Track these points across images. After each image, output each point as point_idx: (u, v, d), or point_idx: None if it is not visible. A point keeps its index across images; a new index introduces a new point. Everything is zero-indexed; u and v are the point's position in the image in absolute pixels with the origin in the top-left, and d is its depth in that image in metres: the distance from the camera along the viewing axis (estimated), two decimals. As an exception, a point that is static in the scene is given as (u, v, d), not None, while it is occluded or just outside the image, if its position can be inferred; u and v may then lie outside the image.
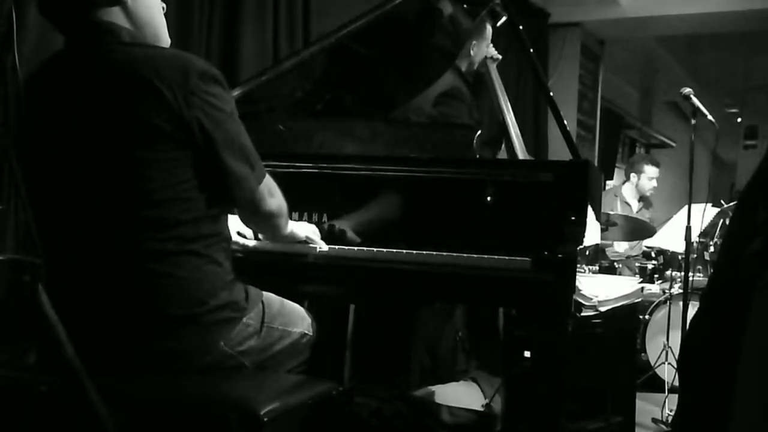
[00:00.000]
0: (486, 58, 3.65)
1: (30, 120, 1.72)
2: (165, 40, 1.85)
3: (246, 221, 1.99)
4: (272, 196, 1.84)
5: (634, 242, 5.46)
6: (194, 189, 1.68)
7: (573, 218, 2.16)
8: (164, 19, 1.85)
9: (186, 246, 1.67)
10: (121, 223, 1.65)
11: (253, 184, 1.77)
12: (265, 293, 1.90)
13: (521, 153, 3.43)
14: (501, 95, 3.60)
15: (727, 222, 4.71)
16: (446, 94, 3.40)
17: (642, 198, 5.98)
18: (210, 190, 1.71)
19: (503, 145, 3.51)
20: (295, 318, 1.96)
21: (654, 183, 5.91)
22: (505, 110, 3.56)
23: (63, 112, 1.69)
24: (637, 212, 5.85)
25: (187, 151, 1.65)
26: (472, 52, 3.60)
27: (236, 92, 2.37)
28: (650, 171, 5.87)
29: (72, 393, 1.41)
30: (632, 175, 5.94)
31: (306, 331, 1.98)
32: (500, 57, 3.71)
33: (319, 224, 2.30)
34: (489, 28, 3.65)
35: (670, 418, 3.69)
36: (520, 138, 3.50)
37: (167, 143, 1.62)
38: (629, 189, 5.96)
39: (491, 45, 3.69)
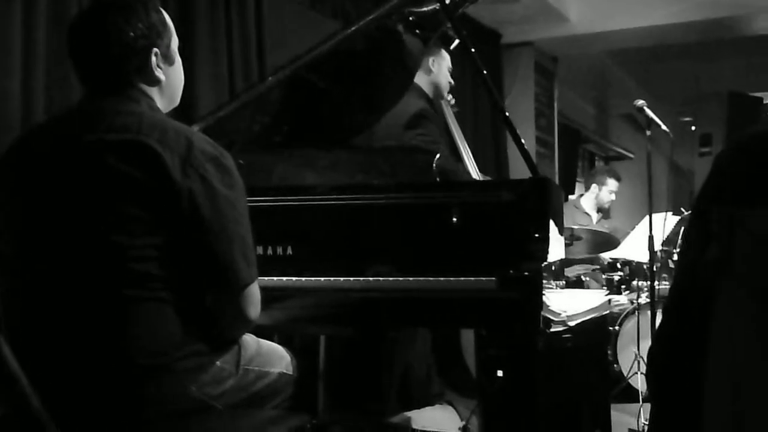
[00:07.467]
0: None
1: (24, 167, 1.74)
2: (177, 101, 1.93)
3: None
4: (254, 305, 1.76)
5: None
6: (172, 255, 1.65)
7: (536, 235, 2.17)
8: (183, 81, 1.93)
9: (156, 293, 1.64)
10: (88, 271, 1.63)
11: (243, 277, 1.71)
12: None
13: (475, 175, 3.47)
14: (452, 125, 3.64)
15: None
16: (418, 116, 3.42)
17: (600, 209, 6.04)
18: (189, 265, 1.68)
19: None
20: (273, 358, 1.94)
21: (613, 197, 5.98)
22: (457, 138, 3.60)
23: (57, 160, 1.69)
24: (596, 223, 5.91)
25: (170, 217, 1.63)
26: (433, 69, 3.63)
27: (195, 128, 2.37)
28: (611, 184, 5.93)
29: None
30: (593, 185, 5.99)
31: (285, 371, 1.95)
32: (457, 109, 3.79)
33: (283, 257, 2.29)
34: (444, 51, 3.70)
35: (646, 428, 3.71)
36: (473, 160, 3.53)
37: (152, 203, 1.61)
38: (588, 200, 6.01)
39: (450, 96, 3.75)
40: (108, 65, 1.75)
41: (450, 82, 3.75)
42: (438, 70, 3.66)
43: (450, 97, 3.77)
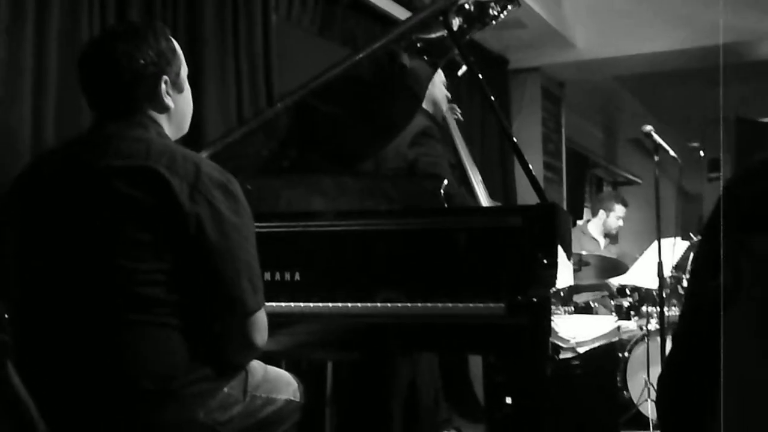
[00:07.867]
0: (446, 112, 3.70)
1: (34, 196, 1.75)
2: (185, 129, 1.94)
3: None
4: (261, 332, 1.76)
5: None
6: (179, 281, 1.66)
7: (545, 261, 2.17)
8: (191, 108, 1.94)
9: (163, 318, 1.65)
10: (96, 296, 1.64)
11: (249, 304, 1.71)
12: None
13: (485, 201, 3.47)
14: (461, 147, 3.64)
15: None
16: (422, 134, 3.42)
17: (608, 235, 6.02)
18: (196, 290, 1.69)
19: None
20: (280, 385, 1.94)
21: (621, 222, 5.95)
22: (465, 161, 3.59)
23: (66, 186, 1.71)
24: (604, 248, 5.89)
25: (178, 243, 1.64)
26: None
27: (203, 154, 2.38)
28: (619, 210, 5.91)
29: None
30: (601, 211, 5.97)
31: (292, 398, 1.95)
32: (461, 119, 3.78)
33: (291, 282, 2.29)
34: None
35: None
36: (483, 185, 3.52)
37: (160, 228, 1.62)
38: (596, 225, 5.99)
39: (455, 106, 3.76)
40: (118, 92, 1.77)
41: (447, 95, 3.75)
42: (432, 85, 3.66)
43: (453, 110, 3.76)
